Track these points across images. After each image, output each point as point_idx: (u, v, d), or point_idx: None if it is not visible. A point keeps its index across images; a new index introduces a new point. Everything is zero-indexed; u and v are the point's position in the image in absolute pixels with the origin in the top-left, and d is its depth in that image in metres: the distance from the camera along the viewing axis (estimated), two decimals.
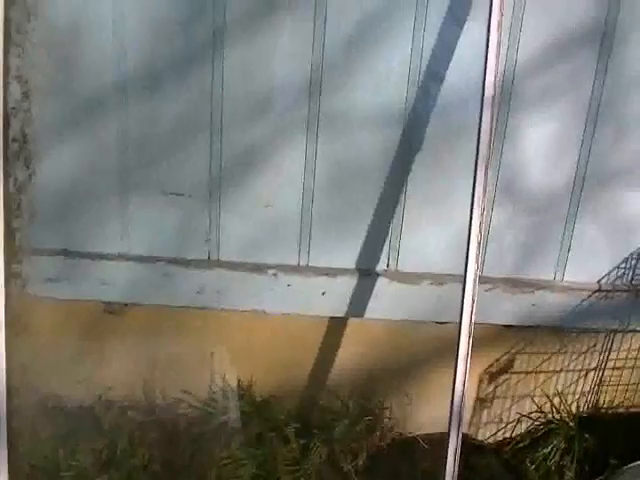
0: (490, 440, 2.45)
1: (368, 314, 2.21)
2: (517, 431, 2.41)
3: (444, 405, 1.91)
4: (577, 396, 2.40)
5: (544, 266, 2.23)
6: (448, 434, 1.91)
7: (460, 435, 1.91)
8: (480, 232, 1.85)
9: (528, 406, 2.40)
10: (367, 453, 2.27)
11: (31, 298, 2.12)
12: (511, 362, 2.35)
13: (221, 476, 2.15)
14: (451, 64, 2.00)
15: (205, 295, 2.17)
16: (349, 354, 2.30)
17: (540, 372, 2.36)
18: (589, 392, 2.42)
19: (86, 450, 2.13)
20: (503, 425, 2.43)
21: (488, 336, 2.25)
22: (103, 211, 2.13)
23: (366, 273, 2.20)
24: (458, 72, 2.00)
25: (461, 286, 1.87)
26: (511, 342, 2.33)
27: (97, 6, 1.93)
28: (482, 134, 1.82)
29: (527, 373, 2.37)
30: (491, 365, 2.36)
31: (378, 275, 2.19)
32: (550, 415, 2.35)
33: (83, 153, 2.07)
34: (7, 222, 1.87)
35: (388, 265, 2.21)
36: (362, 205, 2.14)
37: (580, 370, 2.37)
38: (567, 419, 2.33)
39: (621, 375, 2.38)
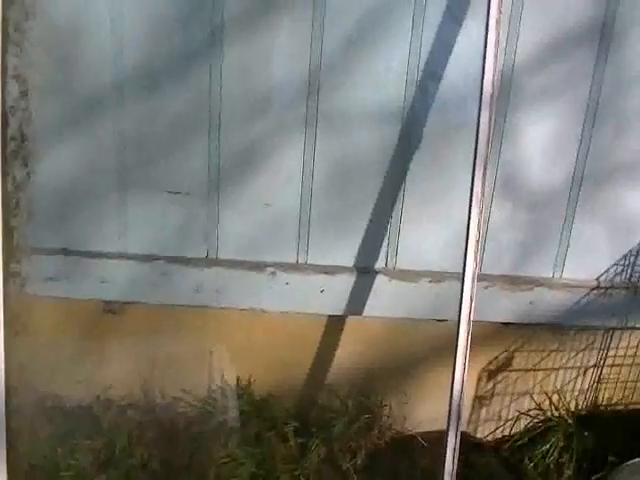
0: (489, 438, 2.45)
1: (367, 312, 2.21)
2: (516, 429, 2.41)
3: (443, 403, 1.91)
4: (576, 393, 2.40)
5: (543, 264, 2.23)
6: (447, 432, 1.91)
7: (459, 433, 1.91)
8: (479, 230, 1.86)
9: (527, 404, 2.40)
10: (366, 451, 2.27)
11: (30, 297, 2.11)
12: (510, 360, 2.36)
13: (220, 475, 2.14)
14: (449, 63, 2.00)
15: (204, 294, 2.17)
16: (348, 352, 2.30)
17: (539, 370, 2.36)
18: (588, 389, 2.42)
19: (85, 449, 2.13)
20: (502, 423, 2.43)
21: (487, 334, 2.26)
22: (102, 210, 2.13)
23: (365, 271, 2.20)
24: (456, 71, 2.00)
25: (460, 284, 1.87)
26: (510, 340, 2.33)
27: (95, 5, 1.93)
28: (480, 132, 1.82)
29: (526, 371, 2.37)
30: (490, 363, 2.36)
31: (377, 273, 2.19)
32: (549, 413, 2.35)
33: (82, 152, 2.07)
34: (5, 221, 1.87)
35: (387, 263, 2.21)
36: (361, 203, 2.14)
37: (579, 367, 2.38)
38: (566, 416, 2.33)
39: (620, 372, 2.38)
